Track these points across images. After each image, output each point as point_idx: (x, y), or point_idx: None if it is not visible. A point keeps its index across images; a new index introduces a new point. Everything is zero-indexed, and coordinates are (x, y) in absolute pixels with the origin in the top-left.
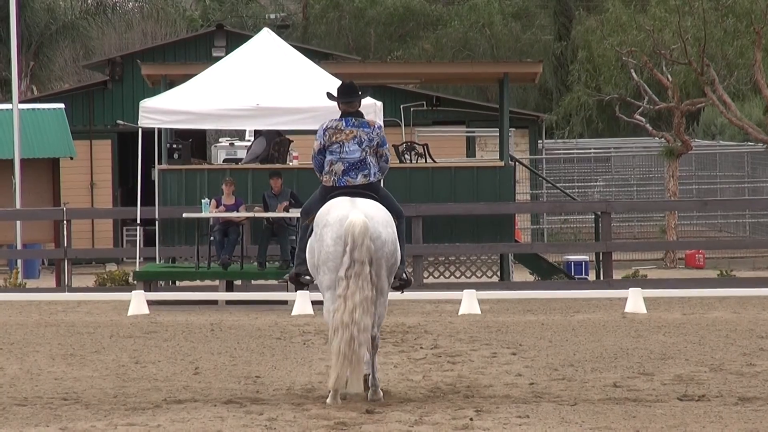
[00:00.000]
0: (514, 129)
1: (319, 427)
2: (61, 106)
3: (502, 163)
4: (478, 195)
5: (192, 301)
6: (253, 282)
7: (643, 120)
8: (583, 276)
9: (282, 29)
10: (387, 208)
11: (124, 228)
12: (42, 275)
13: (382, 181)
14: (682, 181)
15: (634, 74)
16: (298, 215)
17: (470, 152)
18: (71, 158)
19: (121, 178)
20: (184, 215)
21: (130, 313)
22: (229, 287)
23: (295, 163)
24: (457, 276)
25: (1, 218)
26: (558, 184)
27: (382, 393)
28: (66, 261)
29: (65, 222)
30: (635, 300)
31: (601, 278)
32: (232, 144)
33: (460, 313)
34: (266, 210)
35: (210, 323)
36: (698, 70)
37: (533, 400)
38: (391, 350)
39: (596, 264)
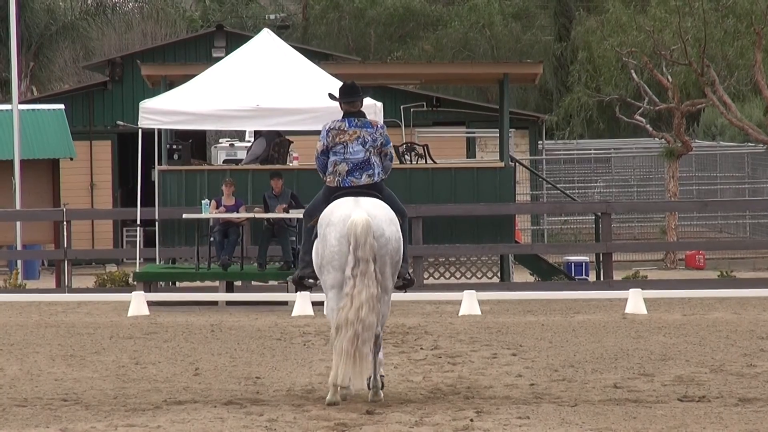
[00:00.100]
0: (514, 130)
1: (319, 428)
2: (61, 106)
3: (502, 164)
4: (479, 196)
5: (192, 302)
6: (253, 283)
7: (644, 121)
8: (584, 277)
9: (282, 30)
10: (390, 208)
11: (124, 229)
12: (42, 276)
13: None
14: (682, 182)
15: (634, 75)
16: (298, 216)
17: (470, 153)
18: (71, 159)
19: (121, 179)
20: (184, 216)
21: (130, 314)
22: (229, 288)
23: (295, 164)
24: (458, 277)
25: (1, 219)
26: (558, 185)
27: (383, 394)
28: (66, 262)
29: (65, 223)
30: (635, 301)
31: (602, 279)
32: (232, 145)
33: (460, 313)
34: (267, 211)
35: (210, 324)
36: (698, 71)
37: (533, 401)
38: (392, 351)
39: (596, 265)
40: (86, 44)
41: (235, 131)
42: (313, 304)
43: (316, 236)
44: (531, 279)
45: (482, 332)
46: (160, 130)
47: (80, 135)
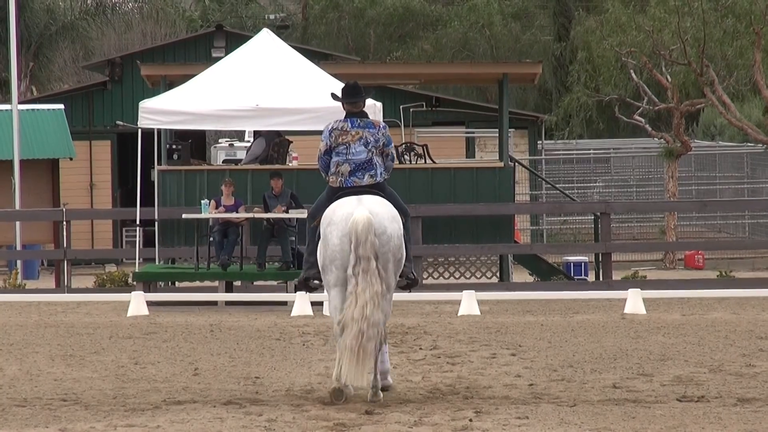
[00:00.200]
0: (513, 130)
1: (318, 428)
2: (61, 106)
3: (501, 164)
4: (478, 196)
5: (191, 302)
6: (252, 283)
7: (643, 121)
8: (583, 277)
9: (281, 30)
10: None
11: (124, 229)
12: (41, 276)
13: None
14: (681, 182)
15: (633, 75)
16: (298, 216)
17: (470, 153)
18: (71, 159)
19: (121, 179)
20: (184, 216)
21: (129, 314)
22: (229, 288)
23: (294, 164)
24: (457, 277)
25: (0, 219)
26: (557, 185)
27: (382, 394)
28: (65, 262)
29: (65, 223)
30: (634, 301)
31: (601, 279)
32: (231, 145)
33: (459, 313)
34: (266, 211)
35: (209, 324)
36: (698, 71)
37: (532, 401)
38: (391, 351)
39: (596, 265)
40: (86, 44)
41: (235, 131)
42: (313, 304)
43: (319, 237)
44: (530, 279)
45: (481, 332)
46: (159, 130)
47: (80, 135)
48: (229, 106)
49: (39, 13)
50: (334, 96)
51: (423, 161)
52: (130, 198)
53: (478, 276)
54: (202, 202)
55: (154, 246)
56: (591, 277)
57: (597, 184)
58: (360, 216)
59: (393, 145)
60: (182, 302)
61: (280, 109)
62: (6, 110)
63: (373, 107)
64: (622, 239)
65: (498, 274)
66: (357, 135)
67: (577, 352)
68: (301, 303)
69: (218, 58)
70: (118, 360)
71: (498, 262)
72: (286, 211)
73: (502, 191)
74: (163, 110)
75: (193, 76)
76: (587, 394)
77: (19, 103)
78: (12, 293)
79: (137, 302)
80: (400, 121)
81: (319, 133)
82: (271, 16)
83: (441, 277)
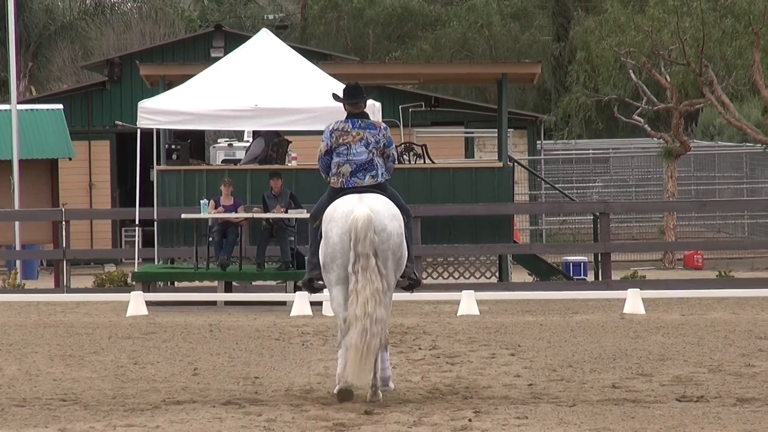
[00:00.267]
0: (512, 130)
1: (317, 428)
2: (60, 106)
3: (500, 164)
4: (477, 196)
5: (191, 302)
6: (252, 283)
7: (642, 121)
8: (582, 277)
9: (280, 30)
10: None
11: (123, 229)
12: (41, 276)
13: None
14: (680, 182)
15: (632, 75)
16: (297, 216)
17: (469, 153)
18: (70, 159)
19: (120, 179)
20: (183, 216)
21: (128, 314)
22: (228, 288)
23: (293, 164)
24: (456, 277)
25: None
26: (556, 185)
27: (381, 394)
28: (65, 262)
29: (64, 223)
30: (634, 301)
31: (600, 279)
32: (230, 145)
33: (458, 313)
34: (266, 211)
35: (209, 324)
36: (697, 71)
37: (532, 401)
38: (390, 351)
39: (595, 265)
40: (85, 44)
41: (234, 131)
42: (312, 304)
43: (321, 237)
44: (529, 279)
45: (481, 332)
46: (158, 130)
47: (79, 135)
48: (228, 106)
49: (38, 13)
50: (335, 96)
51: (422, 161)
52: (129, 198)
53: (477, 276)
54: (201, 202)
55: (154, 246)
56: (590, 277)
57: (596, 184)
58: (360, 213)
59: (394, 146)
60: (181, 302)
61: (279, 109)
62: (5, 110)
63: (372, 107)
64: (622, 239)
65: (497, 274)
66: (358, 136)
67: (576, 352)
68: (300, 303)
69: (217, 58)
70: (118, 360)
71: (497, 262)
72: (286, 211)
73: (501, 191)
74: (162, 110)
75: (192, 76)
76: (586, 394)
77: (18, 103)
78: (11, 293)
79: (136, 302)
80: (399, 121)
81: (319, 133)
82: (270, 16)
83: (440, 277)
